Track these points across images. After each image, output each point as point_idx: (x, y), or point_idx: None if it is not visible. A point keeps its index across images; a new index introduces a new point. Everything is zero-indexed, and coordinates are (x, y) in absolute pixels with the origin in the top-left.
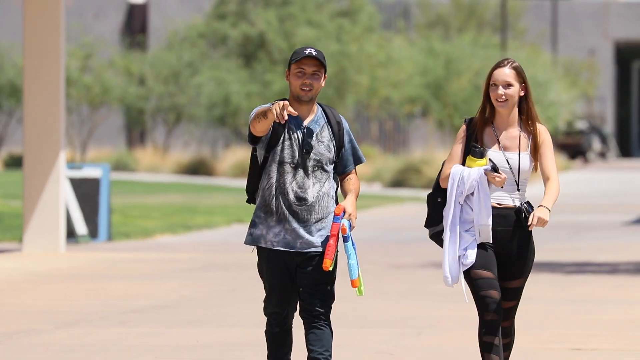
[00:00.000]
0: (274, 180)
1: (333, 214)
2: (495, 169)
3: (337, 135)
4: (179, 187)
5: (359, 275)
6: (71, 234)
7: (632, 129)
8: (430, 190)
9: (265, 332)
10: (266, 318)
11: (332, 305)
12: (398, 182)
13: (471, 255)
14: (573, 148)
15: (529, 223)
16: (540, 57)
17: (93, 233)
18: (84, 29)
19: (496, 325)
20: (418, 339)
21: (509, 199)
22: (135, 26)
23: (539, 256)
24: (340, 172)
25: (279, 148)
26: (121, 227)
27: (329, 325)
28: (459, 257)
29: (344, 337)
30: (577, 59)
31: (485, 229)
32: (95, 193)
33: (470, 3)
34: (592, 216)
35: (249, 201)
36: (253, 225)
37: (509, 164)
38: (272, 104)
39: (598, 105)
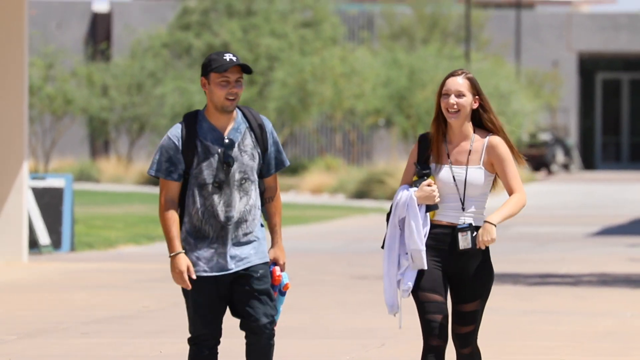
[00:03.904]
0: (199, 204)
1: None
2: (421, 175)
3: (261, 139)
4: (142, 197)
5: None
6: (34, 244)
7: (595, 141)
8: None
9: (190, 358)
10: (191, 343)
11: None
12: (361, 193)
13: (410, 279)
14: (536, 160)
15: (477, 246)
16: (504, 68)
17: (56, 243)
18: (46, 38)
19: (441, 351)
20: (381, 350)
21: (457, 218)
22: (99, 36)
23: (503, 267)
24: (263, 176)
25: (196, 170)
26: (84, 237)
27: (273, 338)
28: (398, 281)
29: (307, 348)
30: (540, 70)
31: (417, 254)
32: (59, 203)
33: (433, 14)
34: (555, 228)
35: None
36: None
37: (454, 179)
38: (175, 264)
39: (561, 116)
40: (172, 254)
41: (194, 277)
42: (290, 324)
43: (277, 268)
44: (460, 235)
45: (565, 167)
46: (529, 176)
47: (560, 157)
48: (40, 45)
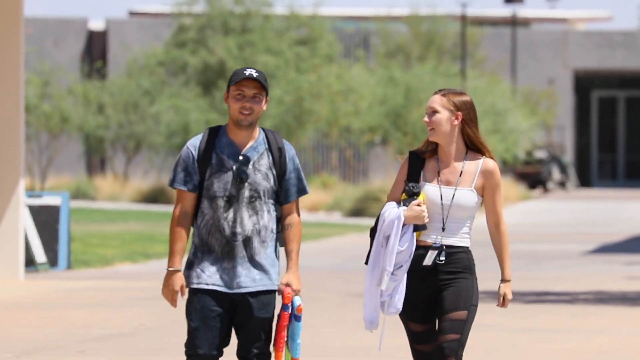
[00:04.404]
0: (208, 217)
1: (282, 297)
2: (410, 193)
3: (278, 162)
4: (138, 215)
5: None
6: (30, 262)
7: (591, 159)
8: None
9: None
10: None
11: (270, 349)
12: (358, 210)
13: (398, 303)
14: (532, 177)
15: (499, 305)
16: (500, 86)
17: (52, 261)
18: (42, 56)
19: None
20: None
21: (436, 238)
22: (95, 53)
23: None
24: (282, 202)
25: (207, 182)
26: (81, 255)
27: None
28: (383, 302)
29: None
30: (536, 88)
31: (383, 273)
32: (55, 221)
33: (429, 32)
34: (551, 245)
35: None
36: (189, 266)
37: (442, 199)
38: (170, 276)
39: (557, 134)
40: (170, 269)
41: (183, 297)
42: None
43: (289, 288)
44: (430, 252)
45: (562, 184)
46: (525, 194)
47: (556, 174)
48: (36, 63)
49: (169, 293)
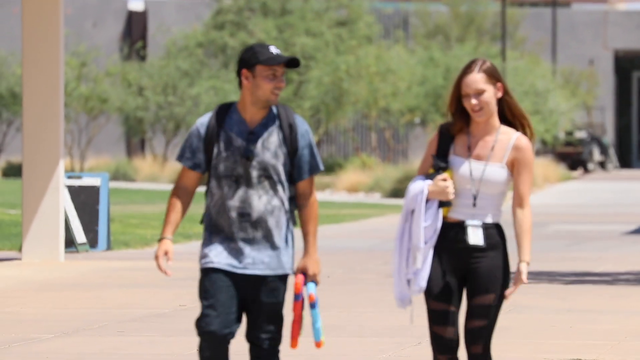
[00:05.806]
0: (217, 196)
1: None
2: (437, 168)
3: (289, 138)
4: None
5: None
6: (70, 242)
7: (632, 139)
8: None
9: (200, 357)
10: (200, 340)
11: (282, 334)
12: (397, 191)
13: (422, 281)
14: (573, 158)
15: (507, 293)
16: (540, 67)
17: (92, 242)
18: (82, 37)
19: None
20: (417, 348)
21: (468, 215)
22: (134, 34)
23: (539, 266)
24: (295, 181)
25: (215, 161)
26: (120, 236)
27: (275, 355)
28: (408, 280)
29: (343, 346)
30: (576, 69)
31: (414, 250)
32: (95, 202)
33: (468, 12)
34: (592, 226)
35: (201, 221)
36: (202, 246)
37: (471, 174)
38: (161, 242)
39: (598, 115)
40: (158, 238)
41: (169, 262)
42: (325, 322)
43: (301, 276)
44: (471, 229)
45: (602, 165)
46: (565, 174)
47: (596, 155)
48: (72, 44)
49: (155, 260)
